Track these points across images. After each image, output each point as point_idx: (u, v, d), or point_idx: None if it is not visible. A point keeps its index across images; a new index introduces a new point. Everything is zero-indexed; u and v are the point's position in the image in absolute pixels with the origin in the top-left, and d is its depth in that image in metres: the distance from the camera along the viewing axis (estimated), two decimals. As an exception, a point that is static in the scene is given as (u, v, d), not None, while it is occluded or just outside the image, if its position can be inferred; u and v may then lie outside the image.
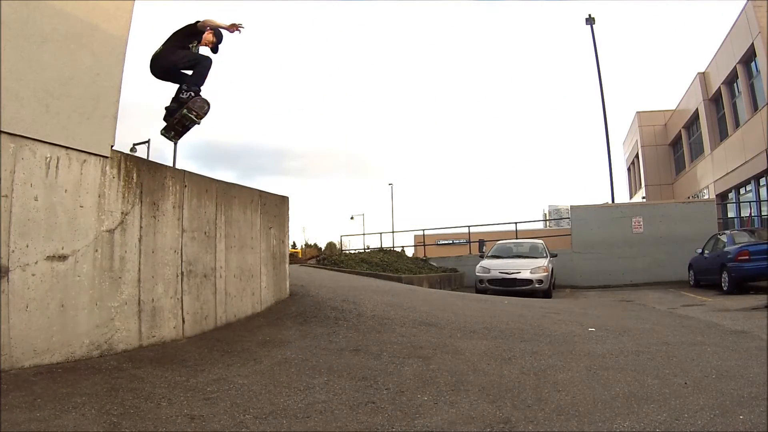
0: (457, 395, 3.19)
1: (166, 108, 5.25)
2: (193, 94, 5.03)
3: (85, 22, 3.77)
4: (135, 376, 3.32)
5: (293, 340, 4.60)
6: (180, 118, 5.16)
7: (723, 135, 20.35)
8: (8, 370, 3.10)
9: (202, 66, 5.12)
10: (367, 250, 20.86)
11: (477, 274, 12.80)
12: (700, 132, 22.66)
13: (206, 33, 5.18)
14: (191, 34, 5.12)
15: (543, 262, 12.58)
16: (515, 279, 11.94)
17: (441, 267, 17.11)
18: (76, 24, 3.71)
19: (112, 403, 2.81)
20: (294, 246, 38.94)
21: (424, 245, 21.43)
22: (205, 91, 5.18)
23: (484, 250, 17.19)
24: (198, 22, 5.07)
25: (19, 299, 3.24)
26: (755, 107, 17.07)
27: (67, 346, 3.50)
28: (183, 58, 5.08)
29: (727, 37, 18.74)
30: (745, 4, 16.78)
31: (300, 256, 25.88)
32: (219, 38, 5.31)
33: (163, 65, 5.08)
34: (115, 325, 3.84)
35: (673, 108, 26.65)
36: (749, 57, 17.22)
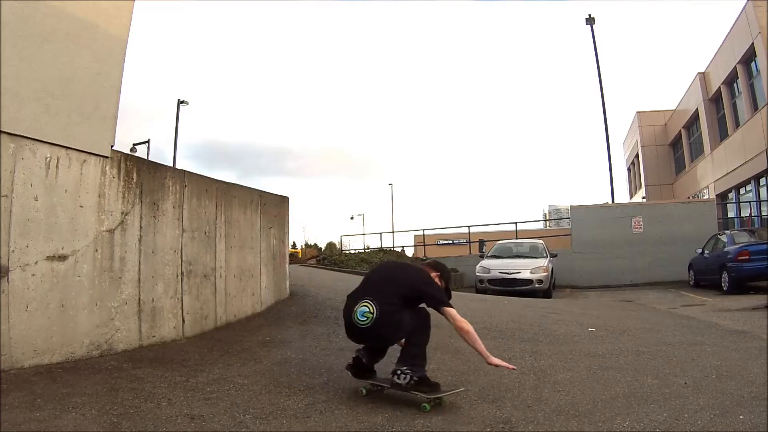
0: (457, 395, 3.18)
1: (355, 364, 3.28)
2: (416, 378, 3.04)
3: (85, 22, 3.77)
4: (135, 376, 3.32)
5: (293, 340, 4.60)
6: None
7: (723, 135, 20.33)
8: (8, 370, 3.10)
9: (423, 329, 3.23)
10: (367, 250, 20.88)
11: (477, 274, 12.79)
12: (700, 132, 22.64)
13: (435, 275, 3.38)
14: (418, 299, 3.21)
15: (543, 262, 12.57)
16: (515, 279, 11.92)
17: (441, 267, 17.05)
18: (76, 24, 3.71)
19: (112, 403, 2.81)
20: (294, 246, 38.88)
21: (424, 245, 21.42)
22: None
23: (484, 250, 17.18)
24: (443, 307, 3.18)
25: (19, 299, 3.24)
26: (755, 107, 17.06)
27: (67, 346, 3.50)
28: (408, 318, 3.16)
29: (727, 37, 18.73)
30: (745, 4, 16.77)
31: (300, 256, 25.87)
32: (446, 278, 3.53)
33: (375, 336, 3.14)
34: (115, 325, 3.84)
35: (673, 108, 26.62)
36: (749, 57, 17.20)
